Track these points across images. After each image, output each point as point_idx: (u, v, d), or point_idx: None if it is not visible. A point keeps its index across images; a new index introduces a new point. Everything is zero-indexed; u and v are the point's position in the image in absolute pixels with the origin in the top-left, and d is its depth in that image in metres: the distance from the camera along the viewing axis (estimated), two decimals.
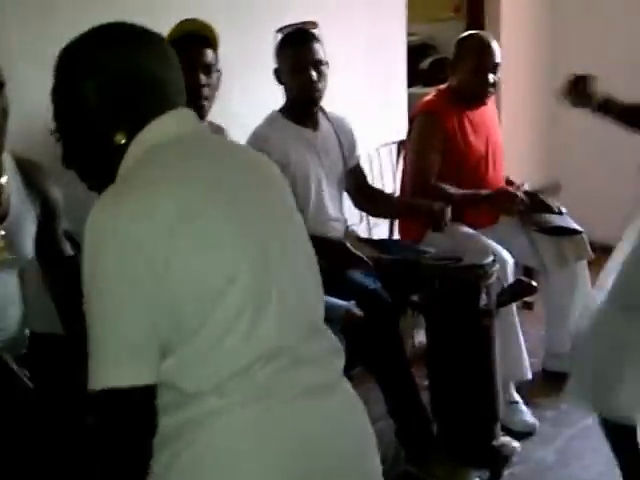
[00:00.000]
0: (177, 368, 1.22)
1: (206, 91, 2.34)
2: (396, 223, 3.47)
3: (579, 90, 2.47)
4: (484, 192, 3.18)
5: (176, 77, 1.37)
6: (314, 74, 2.71)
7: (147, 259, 1.18)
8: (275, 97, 2.83)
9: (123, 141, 1.29)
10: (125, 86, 1.29)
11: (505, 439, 2.78)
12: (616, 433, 2.25)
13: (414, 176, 3.20)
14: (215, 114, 2.48)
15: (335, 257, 2.62)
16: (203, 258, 1.22)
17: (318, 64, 2.73)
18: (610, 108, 2.43)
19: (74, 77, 1.30)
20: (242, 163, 1.39)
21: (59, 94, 1.33)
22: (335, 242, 2.74)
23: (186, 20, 2.44)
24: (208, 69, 2.36)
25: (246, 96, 3.08)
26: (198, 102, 2.33)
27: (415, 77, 4.20)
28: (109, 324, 1.20)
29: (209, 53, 2.37)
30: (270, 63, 2.79)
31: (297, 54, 2.72)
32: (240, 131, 2.71)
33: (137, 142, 1.29)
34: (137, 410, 1.21)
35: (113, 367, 1.19)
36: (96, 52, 1.29)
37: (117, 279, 1.19)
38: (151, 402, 1.21)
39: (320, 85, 2.75)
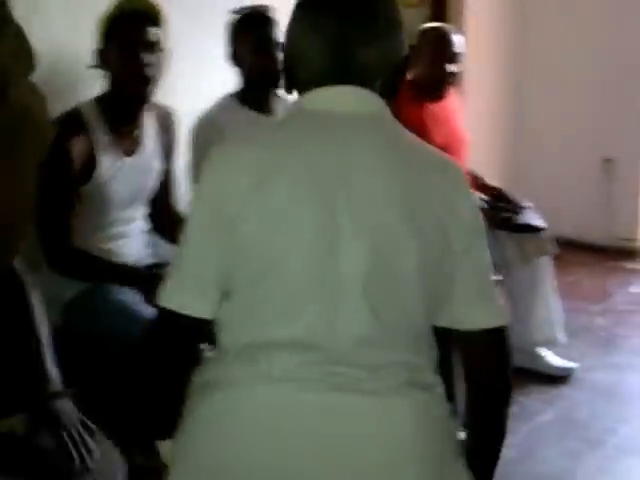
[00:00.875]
0: (225, 318, 1.29)
1: (149, 70, 2.24)
2: None
3: None
4: None
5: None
6: (277, 56, 2.64)
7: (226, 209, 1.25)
8: (225, 80, 2.75)
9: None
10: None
11: (464, 434, 2.73)
12: None
13: None
14: (163, 97, 2.39)
15: None
16: (269, 229, 1.24)
17: (279, 46, 2.66)
18: None
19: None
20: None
21: None
22: None
23: None
24: (151, 47, 2.25)
25: (196, 79, 2.99)
26: (140, 81, 2.23)
27: None
28: (186, 250, 1.29)
29: (152, 31, 2.26)
30: (220, 45, 2.70)
31: (259, 36, 2.65)
32: (189, 115, 2.64)
33: (299, 101, 1.34)
34: (185, 336, 1.30)
35: (177, 291, 1.27)
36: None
37: (201, 211, 1.27)
38: (198, 333, 1.30)
39: (281, 67, 2.67)
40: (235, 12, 2.70)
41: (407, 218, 1.25)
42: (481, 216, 1.36)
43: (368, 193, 1.25)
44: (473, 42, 3.94)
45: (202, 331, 1.30)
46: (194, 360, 1.34)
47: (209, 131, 2.63)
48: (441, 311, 1.33)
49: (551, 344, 3.37)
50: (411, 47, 3.31)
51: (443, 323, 1.34)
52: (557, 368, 3.34)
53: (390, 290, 1.26)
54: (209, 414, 1.28)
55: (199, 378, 1.32)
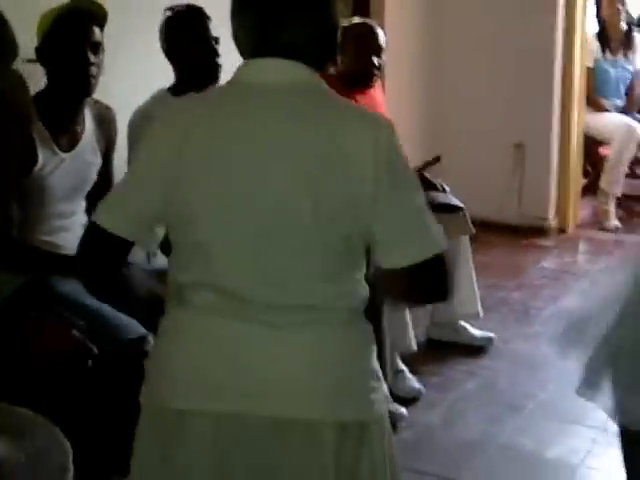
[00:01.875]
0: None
1: (94, 70, 2.28)
2: None
3: None
4: None
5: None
6: (217, 50, 2.70)
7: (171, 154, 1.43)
8: (160, 75, 2.79)
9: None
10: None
11: (393, 406, 2.85)
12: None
13: None
14: (100, 93, 2.42)
15: None
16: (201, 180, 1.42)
17: (217, 40, 2.72)
18: None
19: None
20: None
21: None
22: None
23: None
24: (96, 47, 2.30)
25: (132, 74, 3.02)
26: (86, 80, 2.27)
27: None
28: (128, 180, 1.52)
29: (97, 31, 2.30)
30: (156, 40, 2.74)
31: (194, 31, 2.70)
32: (125, 110, 2.66)
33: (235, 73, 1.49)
34: (110, 248, 1.51)
35: (107, 211, 1.50)
36: None
37: (148, 152, 1.50)
38: (122, 251, 1.52)
39: (219, 60, 2.73)
40: (170, 9, 2.75)
41: (303, 181, 1.39)
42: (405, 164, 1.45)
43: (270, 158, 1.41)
44: (393, 37, 4.03)
45: (127, 249, 1.52)
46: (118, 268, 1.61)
47: (145, 125, 2.66)
48: (373, 252, 1.46)
49: (471, 318, 3.49)
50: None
51: (376, 263, 1.48)
52: (478, 339, 3.46)
53: (288, 242, 1.42)
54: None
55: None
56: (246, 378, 1.45)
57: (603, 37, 5.27)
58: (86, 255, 1.56)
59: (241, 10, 1.47)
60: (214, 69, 2.73)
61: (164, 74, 2.78)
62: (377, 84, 3.40)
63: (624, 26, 5.29)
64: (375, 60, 3.24)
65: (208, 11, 2.75)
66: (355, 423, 1.46)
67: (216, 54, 2.71)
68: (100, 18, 2.30)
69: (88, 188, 2.45)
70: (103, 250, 1.52)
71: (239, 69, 1.48)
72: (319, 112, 1.43)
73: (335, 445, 1.43)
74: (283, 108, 1.42)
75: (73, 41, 2.25)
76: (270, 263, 1.43)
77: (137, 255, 2.62)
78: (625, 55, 5.32)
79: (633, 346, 1.81)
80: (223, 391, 1.45)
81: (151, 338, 2.14)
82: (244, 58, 1.49)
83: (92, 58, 2.27)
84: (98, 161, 2.46)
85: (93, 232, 1.52)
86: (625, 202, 5.46)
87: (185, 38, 2.71)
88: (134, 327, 2.18)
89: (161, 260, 2.57)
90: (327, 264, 1.44)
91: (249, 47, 1.47)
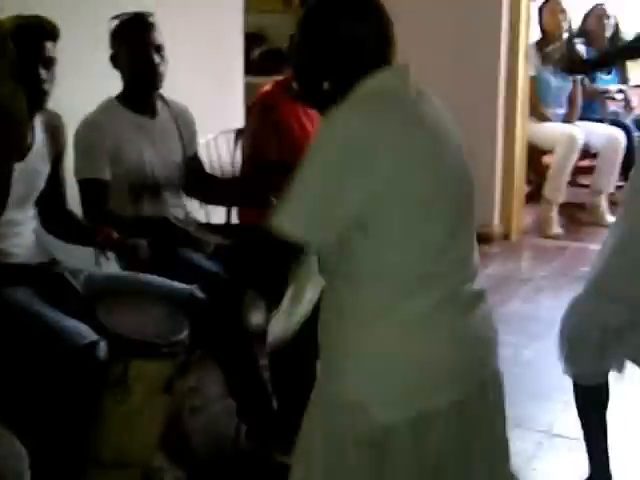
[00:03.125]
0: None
1: (46, 86, 2.28)
2: (234, 208, 3.49)
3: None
4: None
5: (382, 36, 1.56)
6: (156, 58, 2.70)
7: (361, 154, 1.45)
8: (110, 85, 2.79)
9: (328, 88, 1.57)
10: (329, 47, 1.54)
11: None
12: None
13: (252, 163, 3.23)
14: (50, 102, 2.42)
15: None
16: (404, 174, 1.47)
17: (159, 49, 2.72)
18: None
19: (297, 39, 1.60)
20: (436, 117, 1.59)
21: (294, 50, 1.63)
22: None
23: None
24: (49, 63, 2.29)
25: (80, 83, 3.00)
26: (38, 96, 2.26)
27: (246, 66, 4.21)
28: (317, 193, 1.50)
29: (50, 45, 2.30)
30: (105, 50, 2.75)
31: (139, 39, 2.70)
32: (74, 118, 2.66)
33: (360, 85, 1.52)
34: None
35: (291, 218, 1.49)
36: (311, 21, 1.57)
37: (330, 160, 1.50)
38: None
39: (162, 69, 2.74)
40: (117, 17, 2.75)
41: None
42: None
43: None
44: None
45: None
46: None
47: (93, 133, 2.68)
48: None
49: None
50: (285, 50, 3.43)
51: None
52: None
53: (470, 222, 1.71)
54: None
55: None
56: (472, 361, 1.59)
57: (545, 47, 5.39)
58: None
59: (368, 14, 1.53)
60: (155, 78, 2.74)
61: (114, 83, 2.78)
62: None
63: (565, 37, 5.41)
64: None
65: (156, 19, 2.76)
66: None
67: (157, 63, 2.71)
68: (50, 31, 2.30)
69: (37, 195, 2.44)
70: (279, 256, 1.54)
71: (382, 79, 1.53)
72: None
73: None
74: (438, 108, 1.61)
75: (24, 59, 2.22)
76: (465, 243, 1.62)
77: (85, 261, 2.64)
78: None
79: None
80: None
81: (103, 344, 2.15)
82: (367, 65, 1.52)
83: (44, 74, 2.27)
84: (47, 169, 2.45)
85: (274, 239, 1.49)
86: (567, 209, 5.59)
87: (126, 47, 2.71)
88: (85, 333, 2.18)
89: (112, 266, 2.58)
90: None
91: (379, 53, 1.54)
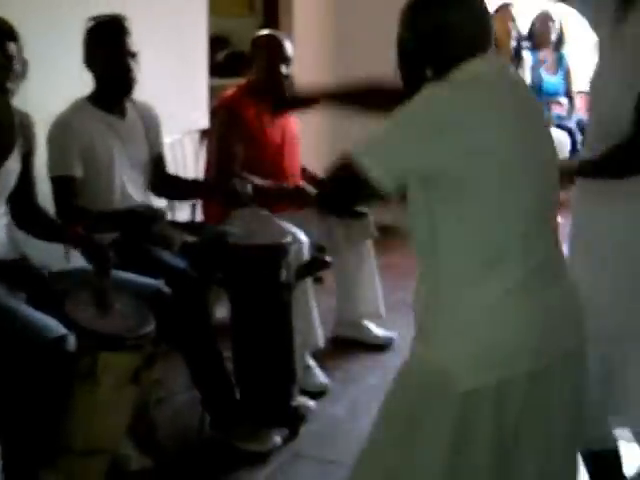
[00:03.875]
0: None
1: (11, 85, 2.31)
2: (198, 207, 3.54)
3: None
4: (283, 186, 3.35)
5: (480, 26, 1.64)
6: (130, 65, 2.74)
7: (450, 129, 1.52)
8: (81, 84, 2.82)
9: (429, 74, 1.63)
10: (433, 35, 1.61)
11: (301, 399, 2.96)
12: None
13: (219, 166, 3.29)
14: (19, 100, 2.43)
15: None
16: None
17: (134, 55, 2.77)
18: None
19: (402, 30, 1.67)
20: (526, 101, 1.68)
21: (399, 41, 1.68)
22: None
23: None
24: (10, 61, 2.32)
25: (51, 82, 3.03)
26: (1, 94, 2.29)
27: (210, 69, 4.26)
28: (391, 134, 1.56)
29: (12, 46, 2.33)
30: (76, 50, 2.77)
31: (116, 43, 2.74)
32: (44, 118, 2.69)
33: (458, 69, 1.59)
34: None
35: (373, 155, 1.53)
36: (414, 12, 1.65)
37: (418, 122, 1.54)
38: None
39: (135, 75, 2.78)
40: (92, 19, 2.77)
41: None
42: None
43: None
44: (301, 47, 4.14)
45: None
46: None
47: (65, 132, 2.72)
48: None
49: (374, 317, 3.62)
50: (247, 53, 3.48)
51: None
52: (380, 338, 3.59)
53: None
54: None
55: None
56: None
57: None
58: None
59: (467, 5, 1.61)
60: (128, 83, 2.78)
61: (84, 83, 2.81)
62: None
63: (514, 43, 5.53)
64: (284, 70, 3.34)
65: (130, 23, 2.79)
66: None
67: (132, 69, 2.76)
68: (9, 32, 2.33)
69: (8, 193, 2.48)
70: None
71: (476, 65, 1.60)
72: None
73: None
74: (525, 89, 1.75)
75: None
76: (552, 212, 1.67)
77: (55, 256, 2.67)
78: (516, 69, 5.57)
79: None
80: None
81: (72, 338, 2.20)
82: (466, 52, 1.60)
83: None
84: (18, 167, 2.48)
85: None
86: None
87: (102, 50, 2.75)
88: (54, 327, 2.22)
89: (80, 260, 2.62)
90: None
91: (476, 41, 1.61)
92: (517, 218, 1.57)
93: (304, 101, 2.20)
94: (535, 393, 1.58)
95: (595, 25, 2.10)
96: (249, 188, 2.95)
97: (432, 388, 1.58)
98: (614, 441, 2.22)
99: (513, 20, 5.44)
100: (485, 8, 1.66)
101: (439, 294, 1.61)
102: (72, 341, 2.20)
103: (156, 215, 2.81)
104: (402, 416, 1.63)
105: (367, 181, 1.51)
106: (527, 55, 5.71)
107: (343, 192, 1.60)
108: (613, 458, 2.23)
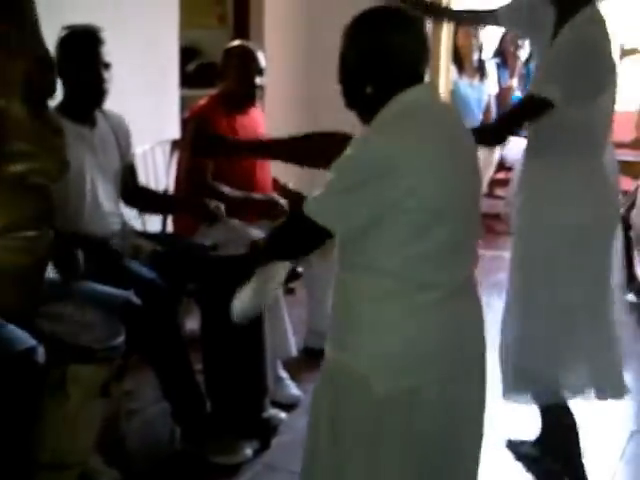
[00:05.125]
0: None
1: None
2: (169, 218, 3.51)
3: None
4: (254, 196, 3.32)
5: (420, 51, 1.73)
6: (104, 76, 2.71)
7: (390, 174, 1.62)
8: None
9: (369, 91, 1.72)
10: (373, 54, 1.70)
11: (273, 411, 2.94)
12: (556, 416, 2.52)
13: (190, 176, 3.27)
14: None
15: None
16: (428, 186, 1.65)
17: (107, 66, 2.73)
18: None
19: (345, 46, 1.76)
20: (457, 128, 1.80)
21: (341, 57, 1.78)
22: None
23: None
24: None
25: None
26: None
27: (181, 79, 4.23)
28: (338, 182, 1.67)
29: None
30: None
31: (90, 54, 2.71)
32: None
33: (396, 101, 1.69)
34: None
35: (322, 207, 1.68)
36: (359, 30, 1.73)
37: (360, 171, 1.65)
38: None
39: (108, 87, 2.75)
40: (66, 28, 2.74)
41: None
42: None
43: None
44: (272, 59, 4.12)
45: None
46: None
47: None
48: None
49: None
50: (219, 64, 3.46)
51: None
52: None
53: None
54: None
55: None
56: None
57: (458, 64, 5.52)
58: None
59: (408, 28, 1.70)
60: (100, 95, 2.75)
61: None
62: (257, 104, 3.47)
63: (476, 56, 5.57)
64: (257, 80, 3.32)
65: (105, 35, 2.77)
66: None
67: (103, 81, 2.73)
68: None
69: None
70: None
71: (416, 94, 1.70)
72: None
73: None
74: (458, 118, 1.85)
75: None
76: (471, 240, 1.83)
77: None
78: (480, 80, 5.61)
79: None
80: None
81: (41, 349, 2.15)
82: (404, 73, 1.69)
83: None
84: None
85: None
86: (484, 220, 5.70)
87: (75, 60, 2.72)
88: (23, 338, 2.18)
89: (50, 273, 2.57)
90: None
91: (415, 63, 1.70)
92: (440, 245, 1.69)
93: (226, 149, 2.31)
94: (446, 398, 1.71)
95: (533, 42, 2.52)
96: (222, 208, 2.93)
97: (352, 391, 1.72)
98: (565, 396, 2.50)
99: (475, 36, 5.47)
100: (425, 35, 1.75)
101: (358, 306, 1.73)
102: (41, 353, 2.16)
103: (125, 253, 2.79)
104: (325, 422, 1.79)
105: (318, 229, 1.67)
106: (492, 68, 5.77)
107: (294, 240, 1.78)
108: (564, 411, 2.52)
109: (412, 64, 1.71)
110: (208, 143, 2.26)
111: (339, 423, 1.74)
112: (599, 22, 2.37)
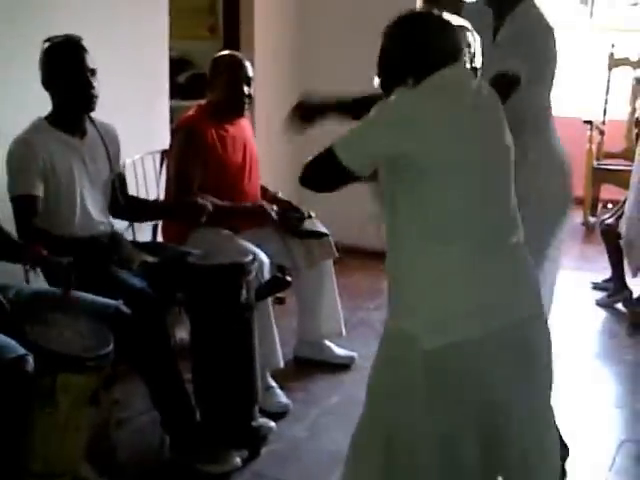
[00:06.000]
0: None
1: None
2: (159, 227, 3.52)
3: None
4: (242, 205, 3.34)
5: (454, 43, 1.92)
6: (92, 81, 2.73)
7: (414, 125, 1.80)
8: (38, 105, 2.79)
9: (410, 82, 1.88)
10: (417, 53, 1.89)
11: (262, 420, 2.94)
12: None
13: (177, 186, 3.28)
14: None
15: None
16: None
17: (93, 72, 2.75)
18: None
19: (389, 43, 1.94)
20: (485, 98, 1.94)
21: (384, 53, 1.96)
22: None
23: None
24: None
25: (11, 104, 3.00)
26: None
27: (172, 90, 4.25)
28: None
29: None
30: (33, 71, 2.75)
31: (75, 62, 2.72)
32: (4, 139, 2.67)
33: (425, 82, 1.86)
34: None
35: (345, 146, 1.86)
36: (403, 30, 1.92)
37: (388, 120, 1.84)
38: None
39: (95, 92, 2.76)
40: (48, 40, 2.75)
41: None
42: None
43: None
44: (261, 69, 4.14)
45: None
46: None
47: (26, 151, 2.69)
48: None
49: (335, 337, 3.61)
50: (208, 74, 3.47)
51: None
52: (341, 357, 3.58)
53: None
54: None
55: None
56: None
57: None
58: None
59: (443, 28, 1.90)
60: (89, 100, 2.76)
61: (40, 103, 2.78)
62: (246, 115, 3.48)
63: None
64: (245, 89, 3.34)
65: (86, 43, 2.78)
66: None
67: (91, 86, 2.74)
68: None
69: None
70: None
71: (445, 73, 1.87)
72: None
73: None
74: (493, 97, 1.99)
75: None
76: (499, 202, 1.89)
77: (14, 277, 2.63)
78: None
79: None
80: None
81: (31, 358, 2.16)
82: (441, 65, 1.86)
83: None
84: None
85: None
86: None
87: (61, 69, 2.73)
88: (13, 348, 2.18)
89: (41, 282, 2.58)
90: None
91: (450, 57, 1.88)
92: (467, 201, 1.81)
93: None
94: (490, 352, 1.80)
95: (480, 34, 2.58)
96: (209, 206, 2.94)
97: (399, 352, 1.84)
98: None
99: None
100: (456, 28, 1.95)
101: (400, 268, 1.86)
102: (31, 362, 2.17)
103: (116, 245, 2.79)
104: (382, 389, 1.95)
105: (340, 163, 1.83)
106: None
107: (319, 172, 1.93)
108: None
109: (447, 54, 1.89)
110: (311, 107, 2.51)
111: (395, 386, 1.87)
112: (539, 8, 2.54)
